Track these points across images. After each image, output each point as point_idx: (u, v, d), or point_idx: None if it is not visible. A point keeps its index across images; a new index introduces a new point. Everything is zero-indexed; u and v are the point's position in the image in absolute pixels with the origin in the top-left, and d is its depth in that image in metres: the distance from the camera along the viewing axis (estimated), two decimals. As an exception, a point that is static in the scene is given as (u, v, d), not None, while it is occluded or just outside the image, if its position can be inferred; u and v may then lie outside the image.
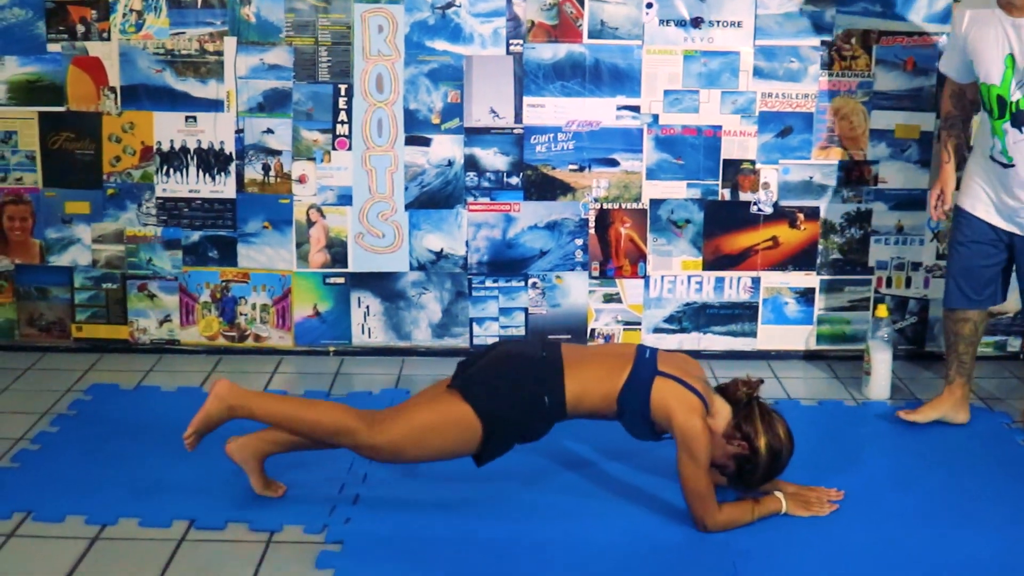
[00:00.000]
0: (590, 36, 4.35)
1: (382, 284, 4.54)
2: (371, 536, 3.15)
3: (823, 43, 4.36)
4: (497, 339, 4.48)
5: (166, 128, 4.42)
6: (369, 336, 4.58)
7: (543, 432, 3.29)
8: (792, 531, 3.21)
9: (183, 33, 4.34)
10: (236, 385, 3.24)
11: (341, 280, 4.54)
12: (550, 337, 4.47)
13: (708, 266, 4.54)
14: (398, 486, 3.44)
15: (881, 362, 4.19)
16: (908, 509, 3.36)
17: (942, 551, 3.11)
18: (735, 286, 4.56)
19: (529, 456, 3.58)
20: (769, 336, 4.60)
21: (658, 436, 3.26)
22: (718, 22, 4.34)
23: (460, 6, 4.32)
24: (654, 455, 3.55)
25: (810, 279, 4.57)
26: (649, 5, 4.33)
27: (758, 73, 4.39)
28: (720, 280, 4.56)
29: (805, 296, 4.58)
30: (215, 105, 4.40)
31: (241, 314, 4.56)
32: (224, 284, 4.54)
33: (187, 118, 4.41)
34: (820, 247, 4.54)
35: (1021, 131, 3.58)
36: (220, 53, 4.35)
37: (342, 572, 2.96)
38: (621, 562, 3.04)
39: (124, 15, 4.32)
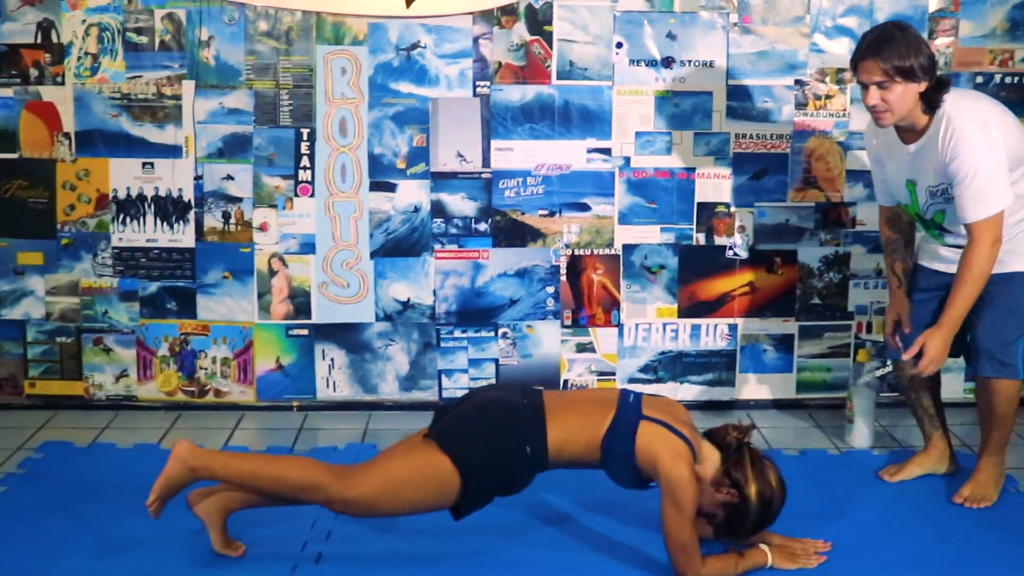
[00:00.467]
0: (559, 77, 4.24)
1: (347, 335, 4.38)
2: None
3: (796, 82, 4.27)
4: (467, 391, 4.32)
5: (122, 175, 4.27)
6: (334, 390, 4.41)
7: (525, 483, 3.10)
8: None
9: (140, 77, 4.21)
10: (196, 446, 3.07)
11: (304, 332, 4.38)
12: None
13: (684, 313, 4.41)
14: (366, 543, 3.25)
15: (863, 410, 4.05)
16: (897, 560, 3.19)
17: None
18: (712, 333, 4.42)
19: (508, 510, 3.40)
20: (748, 385, 4.46)
21: (644, 484, 3.09)
22: (689, 61, 4.24)
23: (425, 47, 4.21)
24: (637, 508, 3.37)
25: (789, 325, 4.43)
26: (619, 45, 4.23)
27: (731, 113, 4.29)
28: (696, 327, 4.42)
29: (784, 343, 4.44)
30: (173, 151, 4.26)
31: (201, 368, 4.39)
32: (183, 337, 4.37)
33: (144, 164, 4.27)
34: (798, 292, 4.41)
35: (951, 236, 3.49)
36: (178, 97, 4.22)
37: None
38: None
39: (79, 58, 4.19)
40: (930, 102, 3.30)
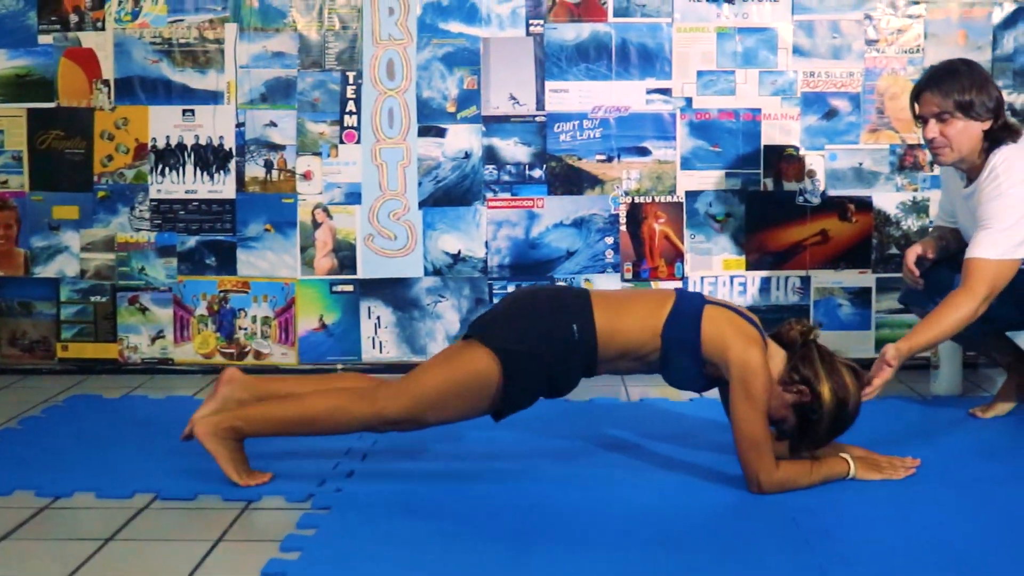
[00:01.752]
0: (616, 14, 4.05)
1: (394, 292, 4.14)
2: (366, 500, 2.70)
3: (866, 16, 4.03)
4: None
5: (162, 123, 4.11)
6: (381, 351, 4.16)
7: (573, 376, 2.82)
8: (863, 490, 2.73)
9: (182, 20, 4.08)
10: (211, 414, 2.80)
11: (349, 288, 4.15)
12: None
13: (752, 265, 4.12)
14: (402, 460, 3.00)
15: (949, 354, 3.71)
16: (996, 474, 2.87)
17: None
18: (782, 287, 4.13)
19: (555, 440, 3.15)
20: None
21: (705, 382, 2.81)
22: (753, -4, 4.04)
23: (476, -15, 4.05)
24: (698, 440, 3.12)
25: (865, 278, 4.12)
26: (679, -21, 4.04)
27: (798, 51, 4.05)
28: (766, 281, 4.13)
29: (860, 297, 4.13)
30: (214, 97, 4.10)
31: (240, 328, 4.17)
32: (222, 295, 4.16)
33: (184, 112, 4.11)
34: (875, 241, 4.11)
35: None
36: (220, 41, 4.08)
37: (327, 531, 2.50)
38: (663, 526, 2.54)
39: (120, 3, 4.07)
40: (991, 144, 3.10)
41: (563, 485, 2.80)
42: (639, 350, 2.77)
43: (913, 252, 3.34)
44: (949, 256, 3.33)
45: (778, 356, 2.76)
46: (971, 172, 3.18)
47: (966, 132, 3.09)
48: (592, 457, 3.04)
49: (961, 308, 3.01)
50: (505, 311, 2.85)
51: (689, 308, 2.76)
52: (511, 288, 4.10)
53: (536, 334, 2.74)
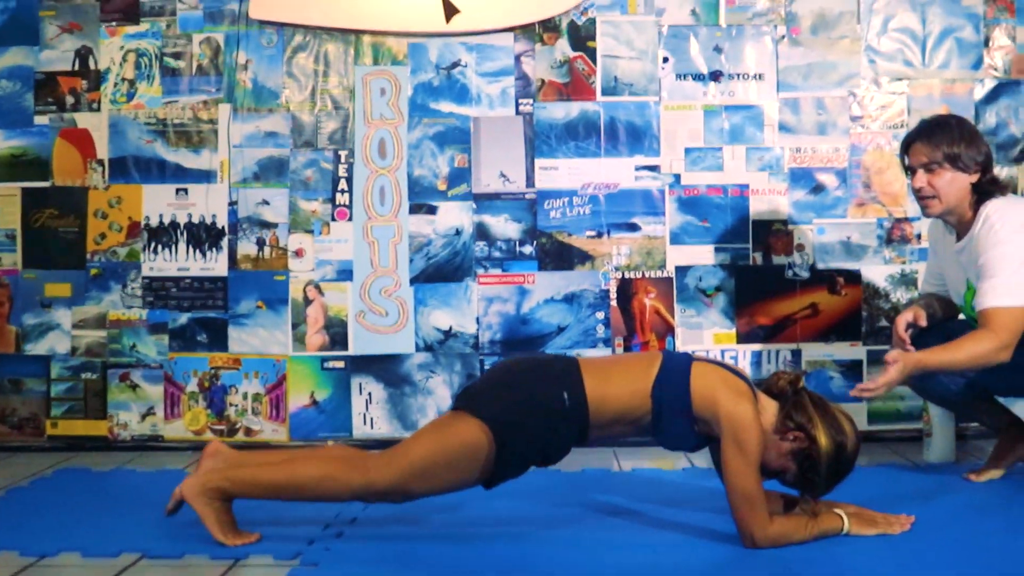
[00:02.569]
0: (604, 93, 4.12)
1: (386, 368, 4.14)
2: (355, 557, 2.67)
3: (851, 93, 4.11)
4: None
5: (155, 202, 4.15)
6: (372, 427, 4.14)
7: (565, 444, 2.80)
8: (858, 545, 2.70)
9: (176, 101, 4.15)
10: (199, 475, 2.79)
11: (341, 364, 4.14)
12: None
13: (743, 339, 4.13)
14: (393, 524, 2.96)
15: (942, 422, 3.70)
16: (991, 528, 2.84)
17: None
18: (774, 360, 4.13)
19: (547, 507, 3.12)
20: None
21: (699, 442, 2.79)
22: (738, 75, 4.11)
23: (466, 66, 4.12)
24: (691, 504, 3.10)
25: (856, 350, 4.13)
26: (665, 60, 4.11)
27: (784, 128, 4.12)
28: (757, 354, 4.13)
29: (852, 370, 4.12)
30: (207, 176, 4.15)
31: (231, 405, 4.15)
32: (213, 372, 4.15)
33: (178, 190, 4.15)
34: (864, 314, 4.13)
35: None
36: (214, 121, 4.14)
37: (316, 584, 2.46)
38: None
39: (116, 84, 4.15)
40: (980, 197, 3.16)
41: (556, 547, 2.76)
42: (631, 414, 2.76)
43: (903, 319, 3.33)
44: (937, 323, 3.35)
45: (770, 407, 2.75)
46: (960, 226, 3.21)
47: (954, 183, 3.14)
48: (584, 521, 3.00)
49: (982, 344, 3.02)
50: (494, 381, 2.84)
51: (677, 367, 2.75)
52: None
53: (527, 404, 2.72)
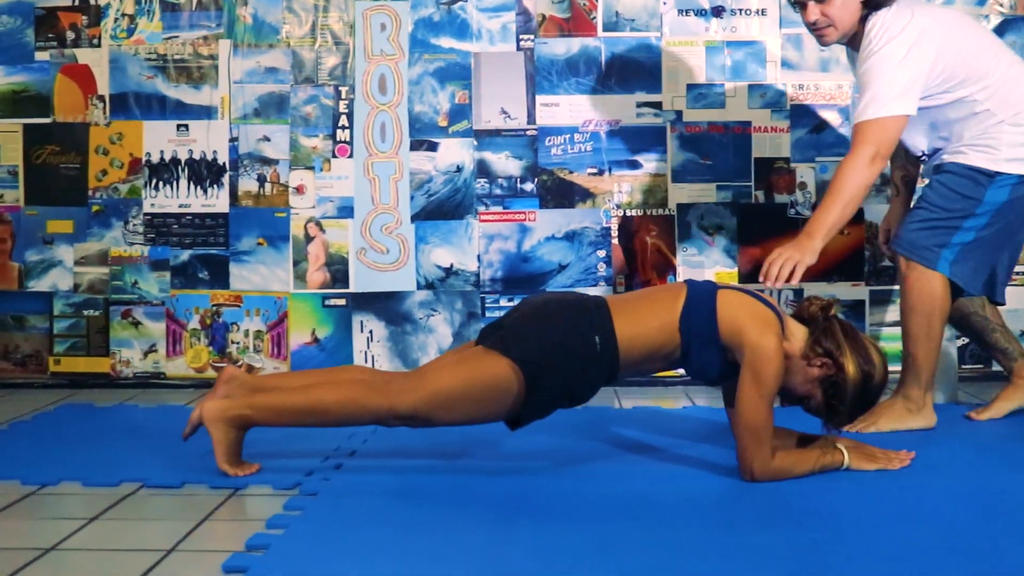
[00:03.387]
0: (605, 29, 4.09)
1: (387, 305, 4.15)
2: (354, 488, 2.68)
3: (856, 29, 4.08)
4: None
5: (156, 138, 4.15)
6: (373, 364, 4.14)
7: (594, 385, 2.79)
8: (857, 478, 2.71)
9: (176, 37, 4.13)
10: (219, 400, 2.80)
11: (342, 302, 4.15)
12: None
13: (744, 278, 4.12)
14: (392, 457, 2.98)
15: (946, 361, 3.69)
16: (991, 463, 2.86)
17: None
18: (776, 299, 4.12)
19: (547, 439, 3.13)
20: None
21: (730, 371, 2.74)
22: (741, 10, 4.08)
23: (467, 1, 4.09)
24: (691, 440, 3.12)
25: (859, 290, 4.13)
26: (667, -6, 4.09)
27: (786, 64, 4.09)
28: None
29: (855, 310, 4.13)
30: (208, 112, 4.14)
31: (233, 342, 4.17)
32: (215, 309, 4.16)
33: (178, 127, 4.14)
34: (867, 254, 4.12)
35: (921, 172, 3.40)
36: (215, 57, 4.13)
37: (313, 512, 2.48)
38: (651, 508, 2.51)
39: (116, 20, 4.13)
40: (868, 11, 3.11)
41: (554, 476, 2.78)
42: (661, 350, 2.75)
43: (883, 232, 3.51)
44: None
45: (799, 333, 2.74)
46: (854, 44, 3.20)
47: (846, 7, 3.10)
48: (586, 455, 3.01)
49: (851, 164, 3.06)
50: (525, 320, 2.79)
51: (703, 297, 2.73)
52: (504, 302, 4.11)
53: (558, 348, 2.70)
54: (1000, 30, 4.06)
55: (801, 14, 3.18)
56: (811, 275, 4.05)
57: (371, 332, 4.15)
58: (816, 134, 4.10)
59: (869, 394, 2.70)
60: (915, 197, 3.52)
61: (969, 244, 3.19)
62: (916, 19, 3.09)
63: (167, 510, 2.56)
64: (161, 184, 4.16)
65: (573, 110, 4.11)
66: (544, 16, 4.10)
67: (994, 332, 3.45)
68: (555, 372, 2.70)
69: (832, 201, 3.06)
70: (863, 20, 3.13)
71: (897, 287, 3.92)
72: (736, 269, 4.12)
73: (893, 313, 4.10)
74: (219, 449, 2.76)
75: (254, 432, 2.82)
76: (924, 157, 3.34)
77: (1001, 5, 4.07)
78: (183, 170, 4.15)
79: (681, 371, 2.91)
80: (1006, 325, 3.49)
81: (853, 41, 3.21)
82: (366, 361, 4.14)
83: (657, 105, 4.11)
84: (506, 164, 4.12)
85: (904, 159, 3.52)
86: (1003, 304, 3.40)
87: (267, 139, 4.13)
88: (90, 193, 4.17)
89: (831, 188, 3.08)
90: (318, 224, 4.14)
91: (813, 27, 3.17)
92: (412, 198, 4.13)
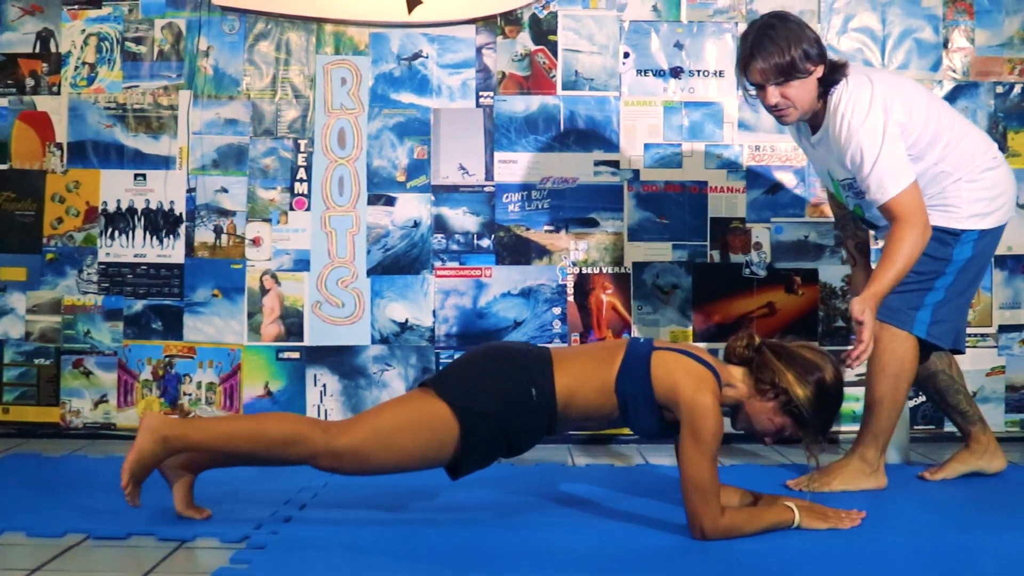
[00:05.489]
0: (564, 87, 4.13)
1: (341, 359, 4.13)
2: (303, 541, 2.64)
3: (811, 93, 4.14)
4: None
5: (113, 187, 4.13)
6: (326, 419, 4.12)
7: (531, 436, 2.80)
8: (809, 537, 2.71)
9: (136, 87, 4.13)
10: (168, 415, 2.81)
11: (296, 355, 4.13)
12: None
13: (699, 337, 4.14)
14: (342, 510, 2.95)
15: (898, 422, 3.70)
16: (942, 523, 2.87)
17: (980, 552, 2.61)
18: (729, 358, 4.15)
19: (499, 494, 3.11)
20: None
21: (670, 429, 2.76)
22: (698, 71, 4.14)
23: (427, 57, 4.12)
24: (645, 497, 3.11)
25: (812, 350, 4.16)
26: (626, 55, 4.13)
27: (743, 125, 4.15)
28: (713, 352, 4.10)
29: (807, 369, 4.15)
30: (166, 162, 4.13)
31: (185, 394, 4.13)
32: (167, 360, 4.12)
33: (136, 176, 4.13)
34: (821, 314, 4.16)
35: (879, 231, 3.37)
36: (174, 107, 4.13)
37: (259, 566, 2.44)
38: (602, 565, 2.50)
39: (76, 68, 4.12)
40: (825, 87, 3.15)
41: (506, 529, 2.77)
42: (600, 410, 2.77)
43: (854, 294, 3.45)
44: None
45: (738, 375, 2.77)
46: (813, 120, 3.23)
47: (804, 87, 3.11)
48: (537, 509, 3.00)
49: (905, 237, 3.05)
50: (465, 367, 2.82)
51: (638, 358, 2.75)
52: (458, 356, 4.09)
53: (493, 394, 2.72)
54: (952, 96, 4.14)
55: (760, 97, 3.17)
56: (765, 334, 4.10)
57: (324, 386, 4.13)
58: (772, 195, 4.15)
59: (830, 396, 2.74)
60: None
61: (940, 303, 3.24)
62: (876, 87, 3.13)
63: (112, 562, 2.52)
64: (117, 233, 4.13)
65: (531, 167, 4.13)
66: (504, 73, 4.13)
67: (958, 393, 3.47)
68: (489, 417, 2.71)
69: (889, 270, 3.05)
70: (821, 97, 3.17)
71: (851, 347, 3.96)
72: (691, 328, 4.14)
73: (848, 373, 4.12)
74: (177, 495, 2.79)
75: (202, 483, 2.79)
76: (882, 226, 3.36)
77: (954, 71, 4.16)
78: (139, 220, 4.13)
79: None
80: (967, 387, 3.52)
81: (814, 118, 3.24)
82: (319, 415, 4.11)
83: (615, 164, 4.14)
84: (463, 220, 4.14)
85: (854, 227, 3.57)
86: (963, 353, 3.46)
87: (225, 190, 4.13)
88: (45, 241, 4.14)
89: (887, 258, 3.06)
90: (274, 277, 4.13)
91: (774, 109, 3.17)
92: (369, 252, 4.13)
